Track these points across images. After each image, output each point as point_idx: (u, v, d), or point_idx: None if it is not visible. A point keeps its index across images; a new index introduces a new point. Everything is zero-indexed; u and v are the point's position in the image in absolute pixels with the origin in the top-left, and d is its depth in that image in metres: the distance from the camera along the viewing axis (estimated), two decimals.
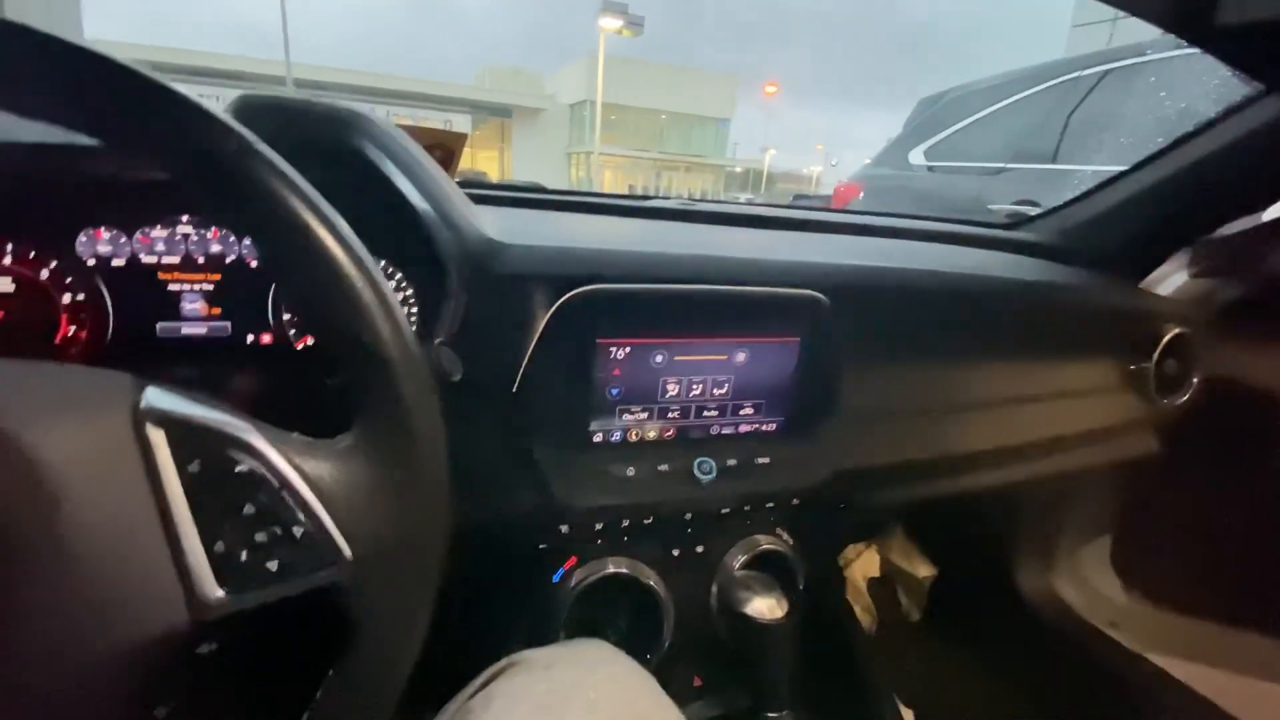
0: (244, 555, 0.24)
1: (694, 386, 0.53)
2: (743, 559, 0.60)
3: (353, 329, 0.26)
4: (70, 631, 0.21)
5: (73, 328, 0.48)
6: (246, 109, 0.43)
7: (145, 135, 0.24)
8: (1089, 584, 1.04)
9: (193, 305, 0.51)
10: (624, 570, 0.56)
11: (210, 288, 0.51)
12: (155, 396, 0.24)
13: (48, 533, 0.21)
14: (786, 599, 0.54)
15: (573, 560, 0.56)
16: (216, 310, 0.51)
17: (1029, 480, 0.76)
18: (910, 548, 1.18)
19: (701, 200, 0.87)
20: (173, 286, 0.50)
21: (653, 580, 0.57)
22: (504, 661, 0.42)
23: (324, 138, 0.44)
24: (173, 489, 0.23)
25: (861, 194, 3.61)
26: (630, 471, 0.52)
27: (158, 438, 0.23)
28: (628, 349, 0.50)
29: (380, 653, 0.27)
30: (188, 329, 0.51)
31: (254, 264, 0.52)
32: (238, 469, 0.24)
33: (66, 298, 0.47)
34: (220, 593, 0.23)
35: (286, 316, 0.53)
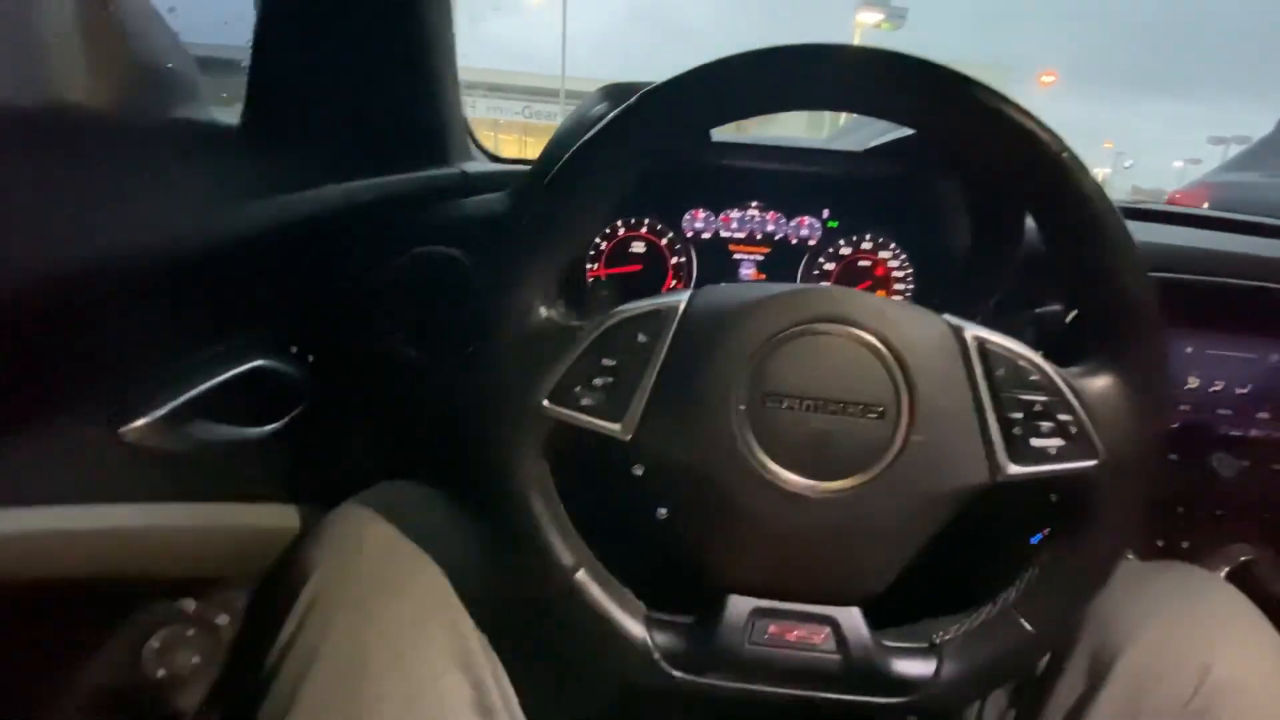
0: (1031, 440, 0.33)
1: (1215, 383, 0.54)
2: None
3: (1113, 279, 0.33)
4: (921, 466, 0.32)
5: (674, 281, 0.66)
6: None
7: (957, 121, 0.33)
8: None
9: (746, 272, 0.66)
10: None
11: (760, 258, 0.66)
12: (964, 325, 0.34)
13: (909, 397, 0.32)
14: None
15: None
16: (762, 276, 0.66)
17: None
18: None
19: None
20: (736, 255, 0.66)
21: None
22: None
23: None
24: (981, 384, 0.33)
25: (1207, 205, 2.97)
26: None
27: (973, 352, 0.34)
28: None
29: (1108, 539, 0.34)
30: None
31: (794, 241, 0.65)
32: (1031, 378, 0.33)
33: (674, 260, 0.66)
34: (1012, 465, 0.33)
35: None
